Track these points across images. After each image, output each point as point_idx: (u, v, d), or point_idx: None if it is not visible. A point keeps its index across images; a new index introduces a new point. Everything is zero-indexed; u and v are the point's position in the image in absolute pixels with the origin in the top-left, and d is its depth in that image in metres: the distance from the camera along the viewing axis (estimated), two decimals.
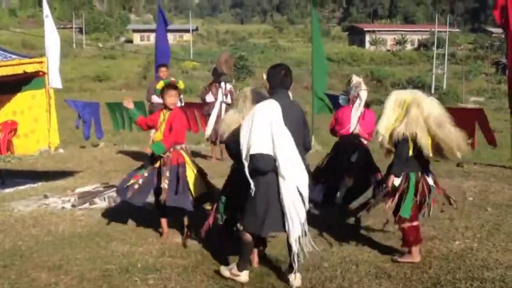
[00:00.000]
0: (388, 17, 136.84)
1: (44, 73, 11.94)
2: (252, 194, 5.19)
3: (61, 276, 5.55)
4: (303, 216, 5.19)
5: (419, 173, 5.95)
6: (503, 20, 10.87)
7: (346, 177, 7.48)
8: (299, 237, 5.19)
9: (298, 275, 5.34)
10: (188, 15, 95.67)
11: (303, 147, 5.35)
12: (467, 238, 6.69)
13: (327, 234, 7.00)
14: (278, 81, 5.34)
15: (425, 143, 5.73)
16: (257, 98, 5.66)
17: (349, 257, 6.12)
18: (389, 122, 5.85)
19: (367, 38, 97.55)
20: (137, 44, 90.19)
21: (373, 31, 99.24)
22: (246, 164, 5.14)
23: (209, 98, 11.86)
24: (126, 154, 13.74)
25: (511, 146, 11.79)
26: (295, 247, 5.19)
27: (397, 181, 5.89)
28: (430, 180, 6.05)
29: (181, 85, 6.90)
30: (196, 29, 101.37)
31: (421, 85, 54.98)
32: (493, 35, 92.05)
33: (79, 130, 12.34)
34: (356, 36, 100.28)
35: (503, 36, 11.56)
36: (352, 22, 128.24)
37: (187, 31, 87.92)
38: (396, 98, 5.90)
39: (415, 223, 5.98)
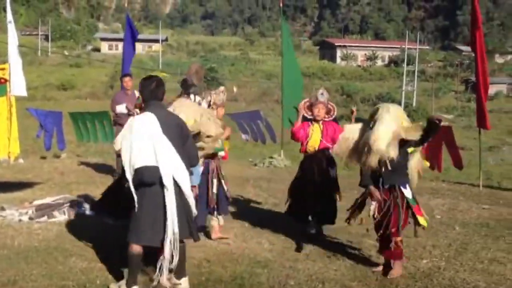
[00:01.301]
0: (359, 33, 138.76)
1: (6, 80, 11.54)
2: (137, 207, 5.21)
3: None
4: (176, 228, 5.17)
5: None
6: (473, 38, 10.94)
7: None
8: (171, 249, 5.18)
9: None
10: (158, 25, 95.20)
11: (188, 161, 5.36)
12: (435, 257, 6.65)
13: (293, 250, 6.89)
14: (150, 93, 5.41)
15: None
16: None
17: (315, 275, 6.02)
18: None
19: (338, 53, 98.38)
20: (105, 53, 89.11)
21: (344, 46, 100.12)
22: (130, 178, 5.18)
23: None
24: (89, 165, 13.45)
25: (479, 164, 11.84)
26: (167, 256, 5.18)
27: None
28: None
29: None
30: (166, 39, 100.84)
31: (391, 101, 55.33)
32: (463, 53, 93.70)
33: (41, 140, 11.99)
34: (327, 50, 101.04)
35: (473, 55, 11.68)
36: (323, 36, 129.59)
37: (156, 41, 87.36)
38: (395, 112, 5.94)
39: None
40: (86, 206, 8.43)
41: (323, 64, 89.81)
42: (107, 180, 11.51)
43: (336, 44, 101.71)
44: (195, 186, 6.05)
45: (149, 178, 5.14)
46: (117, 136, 8.99)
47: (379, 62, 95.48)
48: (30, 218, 7.86)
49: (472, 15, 10.97)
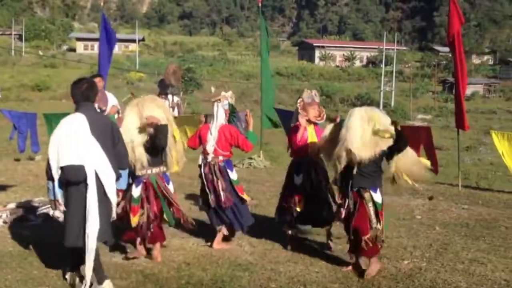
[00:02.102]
0: (337, 34, 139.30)
1: None
2: (66, 208, 5.32)
3: None
4: (96, 228, 5.20)
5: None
6: (451, 39, 10.94)
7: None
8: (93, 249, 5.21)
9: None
10: (135, 25, 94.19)
11: (117, 164, 5.42)
12: (416, 258, 6.62)
13: (274, 252, 6.81)
14: (81, 95, 5.43)
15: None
16: None
17: (297, 277, 5.96)
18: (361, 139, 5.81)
19: (317, 53, 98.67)
20: (80, 53, 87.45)
21: (323, 47, 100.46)
22: (56, 177, 5.26)
23: None
24: None
25: (458, 165, 11.88)
26: (88, 258, 5.21)
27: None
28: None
29: None
30: (143, 39, 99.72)
31: (370, 102, 55.72)
32: (440, 53, 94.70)
33: (15, 142, 11.67)
34: (305, 51, 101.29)
35: (450, 55, 11.68)
36: (301, 37, 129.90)
37: (133, 41, 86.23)
38: (361, 115, 5.84)
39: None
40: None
41: (302, 64, 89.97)
42: None
43: (314, 44, 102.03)
44: (121, 190, 6.01)
45: (74, 177, 5.17)
46: None
47: (357, 63, 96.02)
48: (4, 222, 7.68)
49: (451, 15, 10.94)
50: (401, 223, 8.23)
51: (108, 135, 5.37)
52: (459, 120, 11.19)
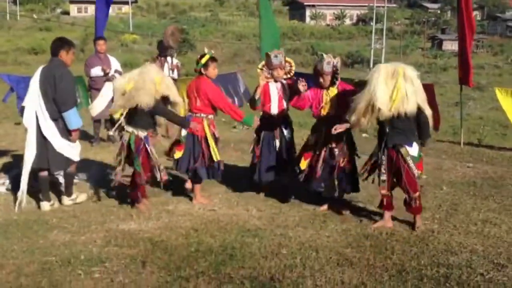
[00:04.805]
0: None
1: None
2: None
3: None
4: (31, 154, 6.69)
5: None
6: None
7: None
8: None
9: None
10: None
11: (57, 107, 6.60)
12: (426, 220, 6.53)
13: (282, 217, 6.72)
14: (52, 50, 6.80)
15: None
16: None
17: (308, 242, 5.84)
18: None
19: (307, 12, 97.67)
20: (74, 16, 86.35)
21: (313, 6, 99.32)
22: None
23: None
24: None
25: (460, 122, 11.82)
26: (22, 179, 6.80)
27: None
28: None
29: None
30: (136, 1, 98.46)
31: (360, 60, 55.28)
32: (429, 10, 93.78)
33: (13, 105, 11.35)
34: (296, 10, 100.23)
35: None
36: None
37: (126, 3, 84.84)
38: (386, 71, 6.09)
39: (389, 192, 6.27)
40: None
41: (293, 24, 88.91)
42: (84, 146, 11.09)
43: (305, 3, 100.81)
44: (76, 130, 6.79)
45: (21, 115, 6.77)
46: (93, 102, 8.87)
47: (348, 21, 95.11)
48: (8, 189, 7.51)
49: None
50: None
51: (51, 83, 6.54)
52: (464, 76, 11.05)
